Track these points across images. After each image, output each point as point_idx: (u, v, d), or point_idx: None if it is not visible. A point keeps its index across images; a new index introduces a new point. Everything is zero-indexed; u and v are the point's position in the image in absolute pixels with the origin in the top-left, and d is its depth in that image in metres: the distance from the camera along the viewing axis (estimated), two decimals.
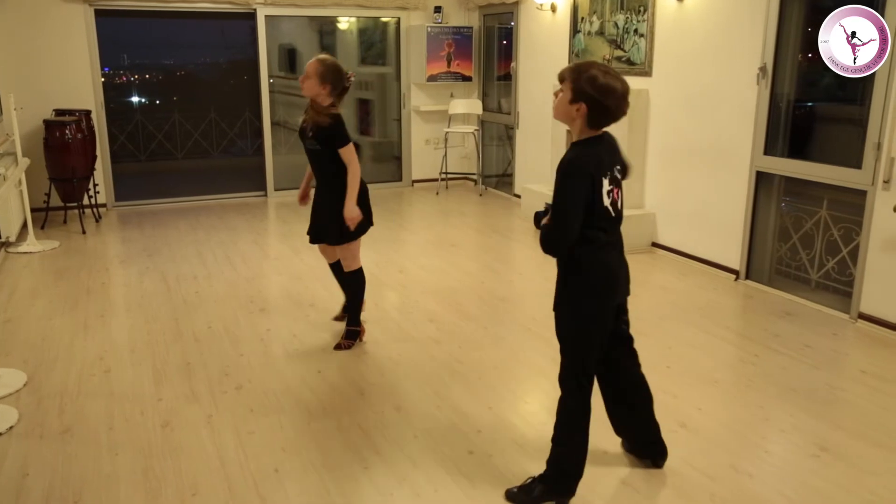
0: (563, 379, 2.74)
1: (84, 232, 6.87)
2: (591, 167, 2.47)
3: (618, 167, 2.58)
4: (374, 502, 2.78)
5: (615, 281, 2.65)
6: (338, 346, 4.16)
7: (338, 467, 3.01)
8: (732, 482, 2.90)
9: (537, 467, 2.99)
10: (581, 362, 2.69)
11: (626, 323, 2.87)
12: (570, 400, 2.72)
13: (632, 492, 2.86)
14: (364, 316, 4.39)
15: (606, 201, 2.50)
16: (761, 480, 2.91)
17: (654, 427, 2.99)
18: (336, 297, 4.67)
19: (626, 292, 2.77)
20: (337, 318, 4.52)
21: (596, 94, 2.43)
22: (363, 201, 3.99)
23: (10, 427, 3.30)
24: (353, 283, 4.20)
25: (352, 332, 4.22)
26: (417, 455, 3.09)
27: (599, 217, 2.51)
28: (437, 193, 8.74)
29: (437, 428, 3.32)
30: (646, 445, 3.02)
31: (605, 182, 2.49)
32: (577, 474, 2.74)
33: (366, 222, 4.04)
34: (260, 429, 3.30)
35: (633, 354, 2.94)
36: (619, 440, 3.12)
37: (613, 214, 2.56)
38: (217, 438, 3.22)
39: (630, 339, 2.90)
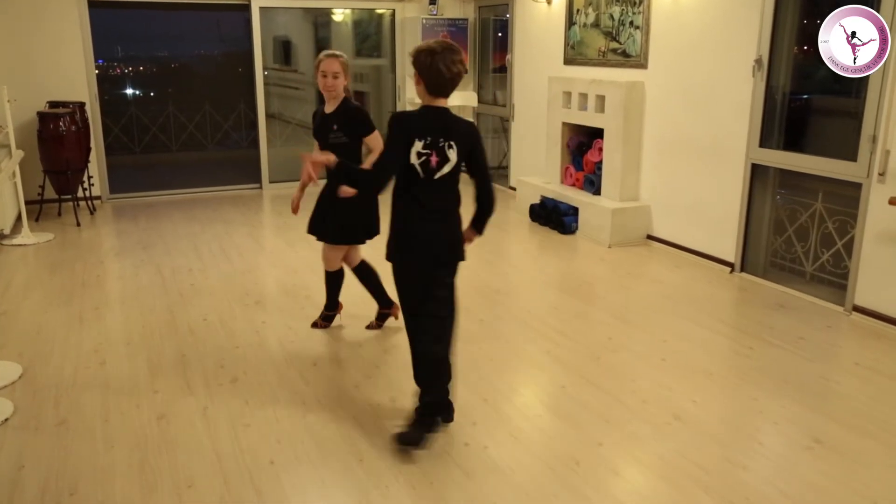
0: None
1: (79, 224, 6.85)
2: (409, 125, 2.86)
3: (449, 141, 2.87)
4: (369, 494, 2.79)
5: (409, 238, 2.95)
6: (369, 326, 4.37)
7: (333, 459, 3.01)
8: (726, 474, 2.91)
9: (534, 459, 3.00)
10: (401, 300, 3.10)
11: (440, 300, 3.05)
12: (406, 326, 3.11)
13: (624, 483, 2.87)
14: (357, 309, 4.41)
15: (415, 160, 2.83)
16: (755, 472, 2.93)
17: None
18: (367, 305, 4.46)
19: (435, 260, 3.00)
20: (370, 327, 4.37)
21: (417, 65, 2.85)
22: (372, 211, 4.05)
23: (6, 419, 3.30)
24: (329, 280, 4.26)
25: (382, 315, 4.37)
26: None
27: (406, 171, 2.85)
28: None
29: None
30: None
31: (419, 143, 2.83)
32: (423, 394, 3.06)
33: (362, 234, 4.07)
34: (255, 421, 3.31)
35: (430, 330, 3.06)
36: (613, 438, 3.13)
37: (422, 175, 2.87)
38: (212, 431, 3.22)
39: (438, 318, 3.06)
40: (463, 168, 3.00)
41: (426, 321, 3.05)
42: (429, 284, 3.03)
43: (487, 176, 3.08)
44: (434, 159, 2.87)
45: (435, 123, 2.88)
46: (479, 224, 3.16)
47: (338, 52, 3.90)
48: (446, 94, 2.90)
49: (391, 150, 2.88)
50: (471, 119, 8.80)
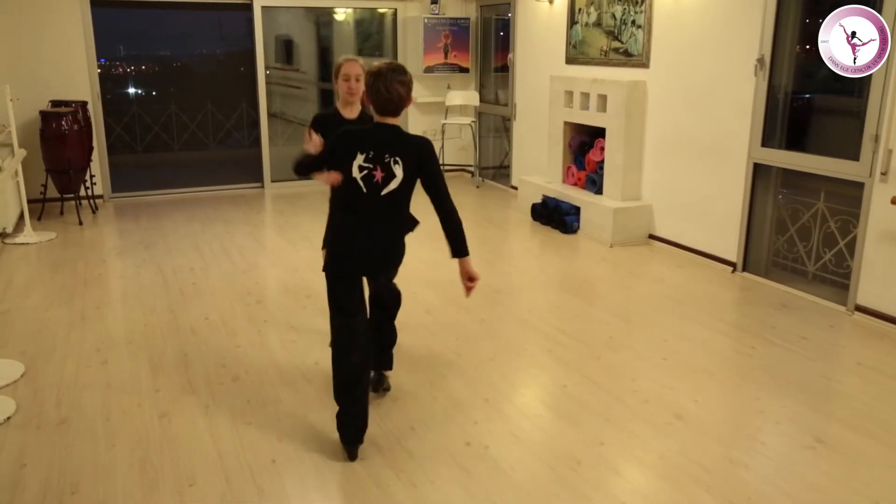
0: None
1: (81, 223, 6.85)
2: (353, 138, 2.94)
3: (395, 157, 2.88)
4: (370, 493, 2.79)
5: (343, 249, 2.97)
6: None
7: (334, 458, 3.01)
8: (728, 473, 2.91)
9: (535, 458, 3.00)
10: (329, 298, 3.06)
11: (383, 297, 3.36)
12: (331, 322, 3.10)
13: (625, 482, 2.87)
14: None
15: (356, 173, 2.88)
16: (756, 472, 2.93)
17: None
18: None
19: (369, 269, 3.12)
20: None
21: (365, 86, 2.99)
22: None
23: (8, 418, 3.30)
24: None
25: None
26: (414, 446, 3.10)
27: (347, 184, 2.90)
28: None
29: (434, 419, 3.32)
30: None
31: (361, 157, 2.88)
32: (336, 388, 3.06)
33: None
34: (257, 420, 3.31)
35: (376, 330, 3.38)
36: (616, 442, 3.13)
37: (365, 190, 2.89)
38: (214, 429, 3.23)
39: (380, 311, 3.40)
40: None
41: (352, 325, 3.04)
42: (360, 292, 3.07)
43: (443, 190, 2.97)
44: (378, 174, 2.87)
45: (381, 139, 2.92)
46: (457, 247, 2.99)
47: (355, 56, 3.84)
48: (393, 113, 2.93)
49: (322, 154, 2.99)
50: (472, 118, 8.80)
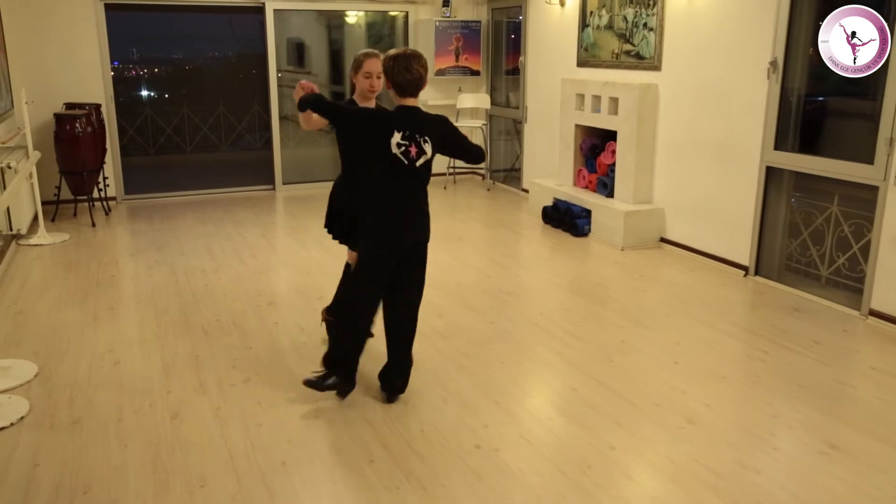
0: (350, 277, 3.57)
1: (94, 225, 6.90)
2: (388, 118, 3.24)
3: (424, 136, 3.21)
4: (380, 496, 2.79)
5: (385, 223, 3.27)
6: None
7: (345, 460, 3.02)
8: (739, 478, 2.89)
9: (545, 461, 3.00)
10: (356, 281, 3.44)
11: (417, 281, 3.44)
12: (350, 296, 3.52)
13: (636, 486, 2.86)
14: None
15: (395, 150, 3.17)
16: (768, 477, 2.91)
17: (400, 368, 3.52)
18: None
19: (405, 240, 3.32)
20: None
21: (384, 70, 3.25)
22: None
23: (21, 418, 3.33)
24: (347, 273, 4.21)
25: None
26: (424, 449, 3.10)
27: (384, 160, 3.18)
28: (445, 188, 8.73)
29: (444, 422, 3.32)
30: (385, 378, 3.53)
31: (398, 134, 3.16)
32: (344, 361, 3.41)
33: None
34: (268, 421, 3.32)
35: (401, 305, 3.46)
36: (623, 443, 3.12)
37: (406, 163, 3.19)
38: (225, 431, 3.24)
39: (409, 300, 3.45)
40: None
41: (396, 305, 3.42)
42: (400, 270, 3.36)
43: (469, 147, 3.37)
44: (413, 150, 3.20)
45: (409, 120, 3.23)
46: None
47: (375, 51, 3.83)
48: (413, 94, 3.24)
49: (349, 114, 3.35)
50: (483, 121, 8.80)
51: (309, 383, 3.41)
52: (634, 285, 5.31)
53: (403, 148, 3.18)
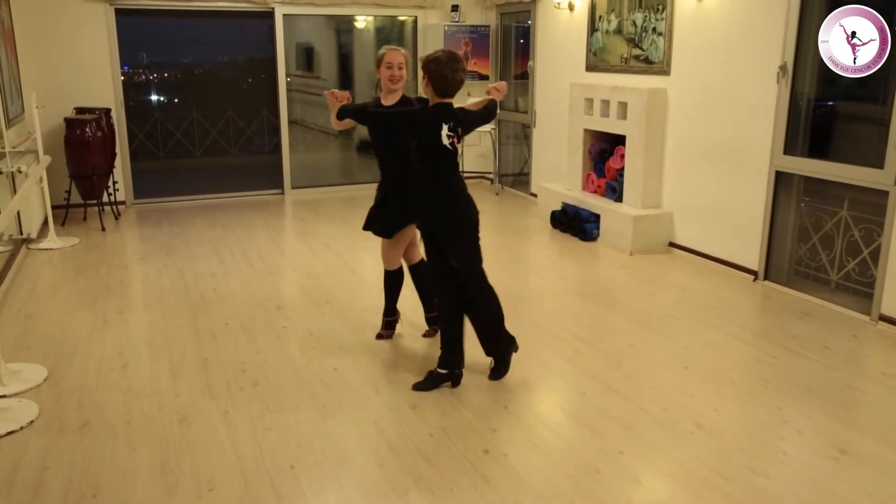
0: None
1: (103, 229, 6.93)
2: (439, 112, 3.52)
3: (458, 129, 3.54)
4: (389, 500, 2.79)
5: (419, 204, 3.68)
6: (426, 334, 4.37)
7: (353, 464, 3.02)
8: (748, 483, 2.88)
9: (554, 466, 2.99)
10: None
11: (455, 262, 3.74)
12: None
13: (645, 491, 2.85)
14: (378, 317, 4.40)
15: (445, 141, 3.50)
16: (778, 482, 2.89)
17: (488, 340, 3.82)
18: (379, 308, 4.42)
19: (430, 224, 3.65)
20: (427, 335, 4.36)
21: (426, 71, 3.47)
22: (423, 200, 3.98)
23: (31, 421, 3.34)
24: (388, 282, 4.27)
25: (433, 319, 4.33)
26: (433, 453, 3.09)
27: (434, 149, 3.51)
28: None
29: (453, 426, 3.32)
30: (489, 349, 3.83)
31: (446, 127, 3.49)
32: (451, 353, 3.70)
33: (415, 219, 3.95)
34: (276, 425, 3.32)
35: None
36: (631, 453, 3.11)
37: (452, 150, 3.54)
38: (233, 434, 3.24)
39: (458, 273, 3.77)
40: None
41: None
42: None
43: (480, 113, 3.70)
44: (456, 140, 3.55)
45: (448, 114, 3.54)
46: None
47: (398, 46, 3.96)
48: (451, 95, 3.53)
49: (397, 116, 3.70)
50: (492, 125, 8.79)
51: (420, 386, 3.68)
52: (643, 290, 5.30)
53: (451, 139, 3.52)
